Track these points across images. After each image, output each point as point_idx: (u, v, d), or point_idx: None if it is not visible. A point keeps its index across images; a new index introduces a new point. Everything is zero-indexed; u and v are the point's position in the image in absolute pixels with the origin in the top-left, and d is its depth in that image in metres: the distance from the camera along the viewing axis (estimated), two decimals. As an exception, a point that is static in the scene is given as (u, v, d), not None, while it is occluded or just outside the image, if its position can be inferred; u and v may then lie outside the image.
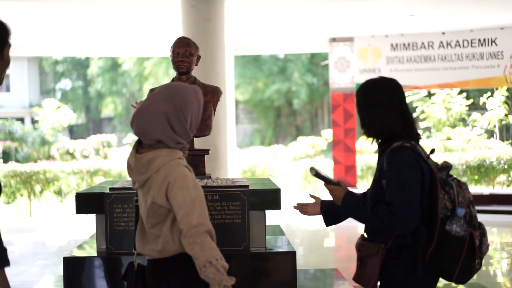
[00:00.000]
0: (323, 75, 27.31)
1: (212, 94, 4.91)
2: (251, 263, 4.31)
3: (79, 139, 26.55)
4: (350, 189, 3.60)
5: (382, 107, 3.23)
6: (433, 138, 16.82)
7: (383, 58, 14.17)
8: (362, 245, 3.29)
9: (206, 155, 4.99)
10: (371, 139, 3.30)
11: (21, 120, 31.32)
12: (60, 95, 35.32)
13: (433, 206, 3.13)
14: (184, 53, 4.81)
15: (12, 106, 32.27)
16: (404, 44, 14.10)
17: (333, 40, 14.47)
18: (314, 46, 15.16)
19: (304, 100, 27.85)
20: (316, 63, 27.39)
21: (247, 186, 4.46)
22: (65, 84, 36.21)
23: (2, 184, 15.52)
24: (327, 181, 3.32)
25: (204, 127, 4.84)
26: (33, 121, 28.67)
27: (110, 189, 4.45)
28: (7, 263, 2.49)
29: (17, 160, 22.60)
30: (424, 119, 16.87)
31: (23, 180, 15.41)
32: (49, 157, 23.14)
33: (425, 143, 14.68)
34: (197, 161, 4.82)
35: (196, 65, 4.93)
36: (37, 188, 15.42)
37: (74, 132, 33.93)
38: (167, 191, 3.04)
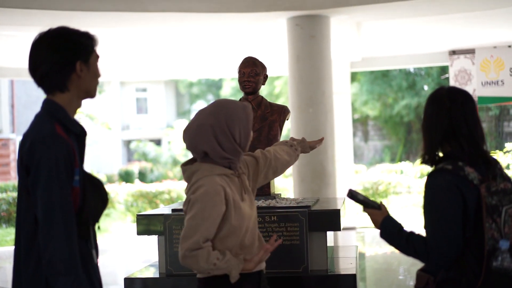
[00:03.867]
0: (454, 89, 26.26)
1: (279, 114, 4.86)
2: (309, 286, 4.21)
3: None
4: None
5: (431, 124, 2.95)
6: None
7: (507, 70, 13.51)
8: (417, 276, 3.03)
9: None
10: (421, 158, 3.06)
11: (158, 141, 32.51)
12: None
13: (479, 236, 2.79)
14: (250, 73, 4.79)
15: (150, 128, 33.55)
16: (529, 54, 13.41)
17: (453, 52, 13.98)
18: (433, 59, 14.69)
19: (435, 115, 26.97)
20: (446, 77, 26.56)
21: (308, 207, 4.37)
22: (200, 105, 37.27)
23: (129, 203, 16.18)
24: (366, 205, 3.10)
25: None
26: (169, 142, 29.68)
27: (172, 210, 4.50)
28: None
29: (151, 181, 23.45)
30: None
31: (149, 200, 15.94)
32: (181, 177, 23.83)
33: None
34: (262, 181, 4.76)
35: (263, 84, 4.90)
36: (161, 207, 15.88)
37: (209, 152, 34.81)
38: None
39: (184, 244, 2.98)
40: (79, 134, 2.73)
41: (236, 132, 3.13)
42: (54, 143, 2.55)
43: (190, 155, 25.65)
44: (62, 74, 2.66)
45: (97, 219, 2.77)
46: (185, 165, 3.21)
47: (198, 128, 3.13)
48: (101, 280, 2.81)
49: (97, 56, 2.79)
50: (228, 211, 3.06)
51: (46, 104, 2.71)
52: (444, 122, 2.94)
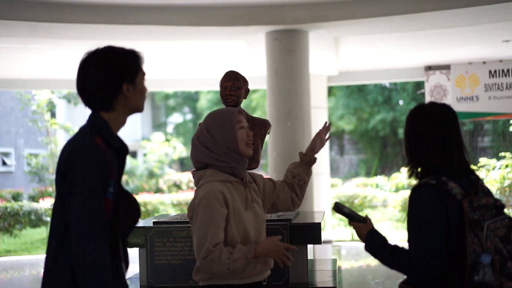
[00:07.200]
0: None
1: (260, 127, 4.89)
2: (289, 298, 4.24)
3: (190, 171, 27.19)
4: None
5: (420, 137, 2.99)
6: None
7: (481, 86, 13.68)
8: None
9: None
10: (409, 172, 3.11)
11: (134, 153, 32.38)
12: (172, 129, 36.32)
13: (462, 250, 2.83)
14: (232, 86, 4.82)
15: (125, 140, 33.25)
16: (503, 71, 13.57)
17: (429, 68, 14.14)
18: (409, 74, 14.86)
19: (410, 130, 27.26)
20: (422, 92, 26.85)
21: (289, 220, 4.40)
22: (176, 118, 37.22)
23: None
24: (352, 218, 3.14)
25: (251, 161, 4.79)
26: (144, 155, 29.57)
27: (154, 223, 4.50)
28: None
29: (126, 193, 23.30)
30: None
31: (125, 212, 15.85)
32: (157, 189, 23.72)
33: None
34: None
35: (245, 98, 4.94)
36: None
37: (185, 164, 34.68)
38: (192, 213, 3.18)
39: (198, 255, 3.07)
40: (121, 150, 2.78)
41: (215, 135, 3.21)
42: (92, 153, 2.59)
43: (165, 168, 25.53)
44: (108, 95, 2.69)
45: (126, 235, 2.77)
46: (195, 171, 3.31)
47: (191, 142, 3.29)
48: None
49: (144, 74, 2.82)
50: (229, 215, 3.12)
51: (90, 117, 2.74)
52: (440, 133, 2.99)
